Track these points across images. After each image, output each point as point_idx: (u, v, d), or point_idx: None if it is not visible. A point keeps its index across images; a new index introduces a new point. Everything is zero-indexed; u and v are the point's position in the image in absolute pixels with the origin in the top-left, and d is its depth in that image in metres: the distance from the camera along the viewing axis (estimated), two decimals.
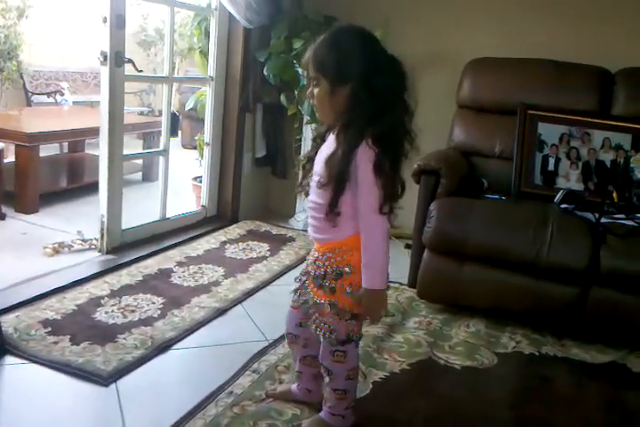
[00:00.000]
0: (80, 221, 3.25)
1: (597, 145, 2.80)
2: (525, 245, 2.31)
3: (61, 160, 4.80)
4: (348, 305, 1.53)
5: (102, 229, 2.85)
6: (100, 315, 2.25)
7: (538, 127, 2.83)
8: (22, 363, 1.90)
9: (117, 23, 2.64)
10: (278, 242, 3.29)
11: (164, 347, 2.06)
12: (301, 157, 1.62)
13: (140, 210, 3.31)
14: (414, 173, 2.57)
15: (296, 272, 1.72)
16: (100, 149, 2.81)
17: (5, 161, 3.50)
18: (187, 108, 4.01)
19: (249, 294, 2.58)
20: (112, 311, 2.28)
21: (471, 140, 3.03)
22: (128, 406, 1.73)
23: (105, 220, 2.84)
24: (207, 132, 3.48)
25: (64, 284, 2.46)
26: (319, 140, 1.59)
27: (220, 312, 2.38)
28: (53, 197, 3.75)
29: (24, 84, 5.88)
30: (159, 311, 2.32)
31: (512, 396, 1.96)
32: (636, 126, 2.78)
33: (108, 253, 2.86)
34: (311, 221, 1.58)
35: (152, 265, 2.78)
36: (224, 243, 3.20)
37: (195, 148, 4.01)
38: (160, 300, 2.43)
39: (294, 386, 1.81)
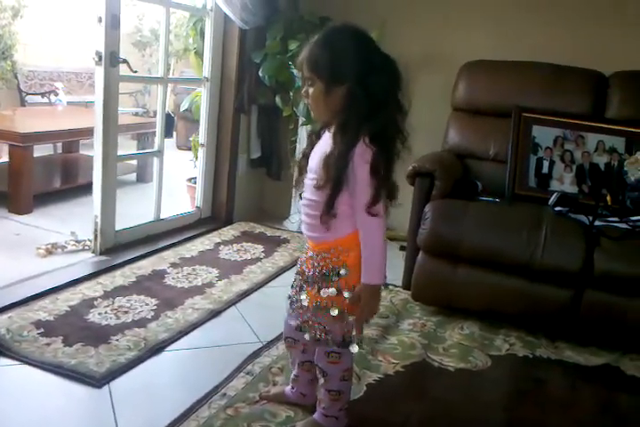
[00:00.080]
0: (74, 222, 3.24)
1: (591, 148, 2.81)
2: (519, 248, 2.31)
3: (55, 161, 4.79)
4: (342, 305, 1.53)
5: (96, 230, 2.84)
6: (94, 316, 2.24)
7: (532, 130, 2.84)
8: (14, 364, 1.89)
9: (112, 23, 2.64)
10: (273, 243, 3.29)
11: (157, 349, 2.06)
12: (298, 154, 1.62)
13: (134, 211, 3.30)
14: (409, 176, 2.58)
15: (290, 274, 1.72)
16: (94, 150, 2.80)
17: None
18: (182, 109, 4.02)
19: (243, 295, 2.58)
20: (105, 313, 2.27)
21: (466, 143, 3.04)
22: (121, 408, 1.73)
23: (99, 220, 2.83)
24: (202, 134, 3.47)
25: (57, 285, 2.45)
26: (314, 137, 1.59)
27: (214, 314, 2.37)
28: (47, 197, 3.74)
29: (18, 84, 5.87)
30: (153, 313, 2.31)
31: (506, 398, 1.96)
32: (630, 129, 2.79)
33: (101, 254, 2.85)
34: (305, 219, 1.57)
35: (146, 266, 2.77)
36: (218, 244, 3.20)
37: (189, 149, 4.00)
38: (154, 301, 2.42)
39: (288, 388, 1.81)
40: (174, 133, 6.29)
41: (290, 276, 1.71)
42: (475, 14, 3.30)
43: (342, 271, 1.51)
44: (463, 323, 2.47)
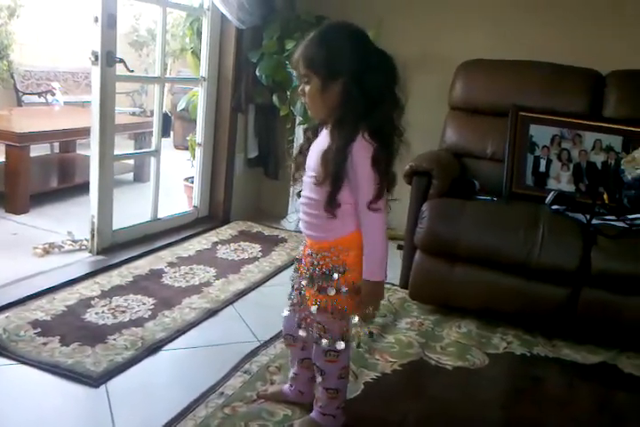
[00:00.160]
0: (71, 222, 3.24)
1: (588, 147, 2.81)
2: (516, 246, 2.31)
3: (52, 160, 4.78)
4: (342, 305, 1.53)
5: (93, 230, 2.84)
6: (91, 316, 2.23)
7: (529, 129, 2.84)
8: (11, 364, 1.89)
9: (109, 23, 2.63)
10: (270, 243, 3.29)
11: (154, 348, 2.05)
12: (293, 151, 1.62)
13: (132, 210, 3.30)
14: (406, 174, 2.57)
15: (288, 273, 1.72)
16: (90, 150, 2.80)
17: None
18: (179, 109, 4.01)
19: (240, 294, 2.57)
20: (102, 312, 2.27)
21: (463, 142, 3.04)
22: (118, 407, 1.72)
23: (95, 220, 2.83)
24: (199, 133, 3.47)
25: (54, 284, 2.45)
26: (311, 135, 1.59)
27: (212, 313, 2.37)
28: (44, 197, 3.73)
29: (15, 83, 5.85)
30: (150, 312, 2.31)
31: (503, 396, 1.96)
32: (627, 128, 2.80)
33: (98, 253, 2.85)
34: (304, 218, 1.57)
35: (143, 266, 2.77)
36: (216, 243, 3.19)
37: (187, 148, 4.00)
38: (151, 300, 2.41)
39: (286, 387, 1.81)
40: (171, 133, 6.28)
41: (287, 275, 1.71)
42: (472, 14, 3.30)
43: (342, 269, 1.51)
44: (460, 321, 2.47)
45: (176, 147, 6.14)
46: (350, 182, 1.44)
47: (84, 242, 2.92)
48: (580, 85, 2.93)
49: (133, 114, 6.56)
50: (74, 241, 2.95)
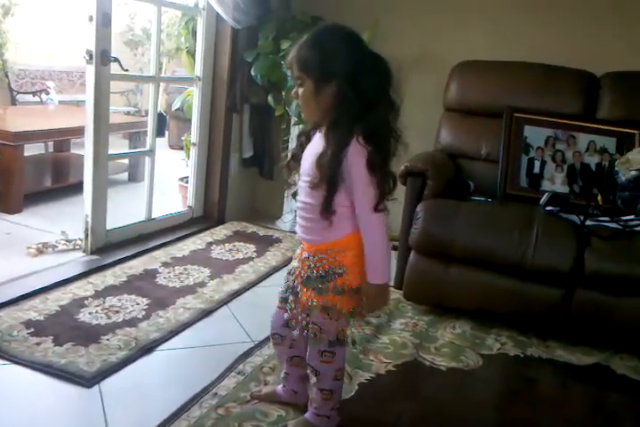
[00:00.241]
0: (64, 222, 3.22)
1: (582, 148, 2.82)
2: (511, 247, 2.32)
3: (46, 160, 4.76)
4: (339, 306, 1.53)
5: (87, 230, 2.83)
6: (84, 316, 2.22)
7: (524, 130, 2.85)
8: (4, 364, 1.88)
9: (103, 21, 2.63)
10: (265, 243, 3.28)
11: (148, 348, 2.05)
12: (284, 155, 1.62)
13: (126, 210, 3.29)
14: (401, 175, 2.57)
15: (283, 273, 1.72)
16: (85, 149, 2.79)
17: None
18: (174, 109, 4.00)
19: (235, 295, 2.57)
20: (96, 312, 2.26)
21: (458, 143, 3.04)
22: (111, 407, 1.72)
23: (89, 220, 2.82)
24: (194, 133, 3.47)
25: (47, 284, 2.44)
26: (304, 139, 1.58)
27: (206, 313, 2.36)
28: (38, 196, 3.72)
29: (9, 82, 5.83)
30: (144, 312, 2.30)
31: (497, 397, 1.96)
32: (621, 130, 2.81)
33: (92, 253, 2.84)
34: (300, 222, 1.57)
35: (137, 266, 2.76)
36: (210, 244, 3.19)
37: (181, 148, 3.99)
38: (145, 301, 2.41)
39: (279, 387, 1.81)
40: (166, 133, 6.27)
41: (282, 275, 1.70)
42: (469, 14, 3.29)
43: (339, 271, 1.51)
44: (455, 322, 2.47)
45: (171, 146, 6.13)
46: (346, 186, 1.44)
47: (78, 242, 2.91)
48: (574, 87, 2.94)
49: (128, 113, 6.55)
50: (67, 241, 2.94)
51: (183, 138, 3.77)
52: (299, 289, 1.59)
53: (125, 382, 1.85)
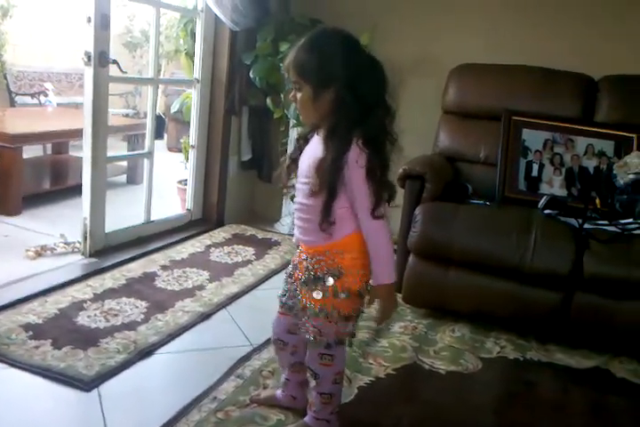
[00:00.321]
0: (63, 224, 3.22)
1: (581, 151, 2.83)
2: (509, 251, 2.32)
3: (45, 162, 4.76)
4: (338, 308, 1.53)
5: (85, 232, 2.83)
6: (83, 319, 2.22)
7: (522, 133, 2.85)
8: (2, 368, 1.87)
9: (102, 23, 2.62)
10: (264, 246, 3.28)
11: (147, 352, 2.04)
12: (282, 159, 1.62)
13: (125, 213, 3.29)
14: (399, 178, 2.58)
15: (282, 277, 1.71)
16: (83, 151, 2.79)
17: None
18: (172, 111, 4.00)
19: (234, 298, 2.57)
20: (95, 315, 2.26)
21: (456, 146, 3.04)
22: (110, 411, 1.71)
23: (88, 222, 2.81)
24: (192, 135, 3.46)
25: (46, 287, 2.44)
26: (302, 142, 1.58)
27: (205, 317, 2.36)
28: (36, 199, 3.71)
29: (7, 84, 5.83)
30: (143, 316, 2.30)
31: (496, 401, 1.96)
32: (619, 133, 2.81)
33: (91, 256, 2.83)
34: (298, 223, 1.57)
35: (136, 269, 2.76)
36: (209, 246, 3.19)
37: (180, 150, 3.99)
38: (144, 304, 2.40)
39: (279, 392, 1.80)
40: (165, 135, 6.27)
41: (281, 278, 1.70)
42: (466, 18, 3.30)
43: (338, 272, 1.50)
44: (454, 326, 2.47)
45: (169, 149, 6.12)
46: (346, 189, 1.44)
47: (77, 244, 2.91)
48: (572, 90, 2.95)
49: (127, 115, 6.55)
50: (66, 243, 2.94)
51: (182, 140, 3.77)
52: (298, 292, 1.59)
53: (124, 386, 1.85)
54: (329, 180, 1.41)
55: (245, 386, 1.88)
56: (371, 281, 1.54)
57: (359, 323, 1.97)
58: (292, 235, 1.65)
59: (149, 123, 3.21)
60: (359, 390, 1.92)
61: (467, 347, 2.30)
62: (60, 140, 4.54)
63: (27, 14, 6.03)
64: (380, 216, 1.44)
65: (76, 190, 3.10)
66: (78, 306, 2.32)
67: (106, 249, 2.90)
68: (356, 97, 1.40)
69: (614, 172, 2.69)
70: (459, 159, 3.03)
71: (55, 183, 4.18)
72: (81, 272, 2.65)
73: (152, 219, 3.25)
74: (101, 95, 2.73)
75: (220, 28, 3.33)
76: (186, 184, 3.58)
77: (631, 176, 2.60)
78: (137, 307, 2.37)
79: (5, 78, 5.81)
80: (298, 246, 1.63)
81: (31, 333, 2.07)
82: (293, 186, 1.58)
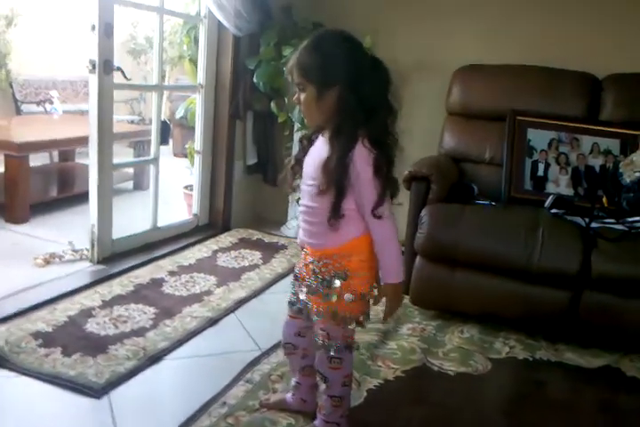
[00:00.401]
0: (71, 231, 3.23)
1: (586, 150, 2.82)
2: (516, 251, 2.31)
3: (51, 170, 4.78)
4: (346, 311, 1.53)
5: (93, 239, 2.84)
6: (92, 326, 2.23)
7: (527, 133, 2.85)
8: (13, 376, 1.88)
9: (106, 31, 2.64)
10: (270, 250, 3.28)
11: (156, 358, 2.05)
12: (287, 161, 1.62)
13: (132, 219, 3.30)
14: (405, 180, 2.58)
15: (289, 280, 1.72)
16: (89, 159, 2.80)
17: None
18: (177, 117, 4.01)
19: (241, 302, 2.57)
20: (104, 322, 2.27)
21: (461, 147, 3.04)
22: (121, 418, 1.72)
23: (95, 230, 2.83)
24: (197, 140, 3.47)
25: (55, 295, 2.45)
26: (306, 143, 1.59)
27: (213, 322, 2.37)
28: (44, 206, 3.73)
29: (13, 92, 5.86)
30: (151, 322, 2.31)
31: (506, 402, 1.96)
32: (624, 131, 2.80)
33: (99, 263, 2.85)
34: (304, 226, 1.57)
35: (143, 275, 2.77)
36: (216, 251, 3.19)
37: (186, 156, 4.00)
38: (152, 310, 2.41)
39: (288, 395, 1.80)
40: (170, 141, 6.28)
41: (288, 282, 1.71)
42: (469, 18, 3.28)
43: (345, 275, 1.51)
44: (463, 327, 2.47)
45: (175, 154, 6.14)
46: (354, 189, 1.44)
47: (85, 251, 2.92)
48: (576, 89, 2.94)
49: (132, 122, 6.57)
50: (74, 251, 2.95)
51: (187, 146, 3.77)
52: (305, 295, 1.59)
53: (134, 393, 1.86)
54: (336, 178, 1.42)
55: (255, 391, 1.89)
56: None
57: (367, 325, 1.98)
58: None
59: (154, 129, 3.22)
60: (368, 392, 1.92)
61: (476, 348, 2.30)
62: (66, 148, 4.56)
63: (31, 23, 6.06)
64: (380, 215, 1.45)
65: (83, 197, 3.12)
66: (87, 313, 2.33)
67: (113, 256, 2.92)
68: (360, 97, 1.41)
69: (620, 170, 2.68)
70: (464, 160, 3.03)
71: (62, 191, 4.19)
72: (89, 279, 2.66)
73: (159, 225, 3.26)
74: (106, 102, 2.75)
75: (223, 33, 3.34)
76: (192, 190, 3.59)
77: (637, 174, 2.59)
78: (145, 313, 2.38)
79: (11, 87, 5.84)
80: (302, 248, 1.63)
81: (41, 341, 2.08)
82: (298, 186, 1.59)
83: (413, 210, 2.58)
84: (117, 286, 2.61)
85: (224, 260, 3.08)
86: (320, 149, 1.49)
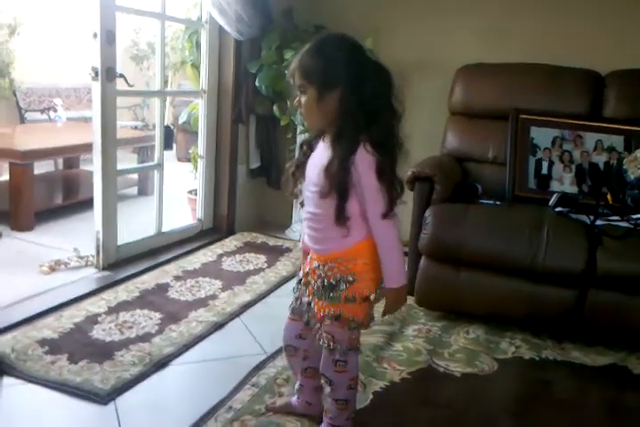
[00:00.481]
0: (76, 238, 3.24)
1: (590, 147, 2.81)
2: (521, 250, 2.30)
3: (56, 177, 4.80)
4: (351, 314, 1.53)
5: (98, 246, 2.85)
6: (98, 332, 2.23)
7: (530, 131, 2.84)
8: (20, 384, 1.89)
9: (108, 39, 2.65)
10: (275, 253, 3.29)
11: (162, 363, 2.05)
12: (287, 166, 1.62)
13: (137, 224, 3.31)
14: (408, 180, 2.57)
15: (294, 283, 1.71)
16: (93, 165, 2.81)
17: None
18: (180, 122, 4.02)
19: (247, 306, 2.57)
20: (109, 328, 2.27)
21: (464, 146, 3.04)
22: (128, 424, 1.72)
23: (100, 236, 2.84)
24: (201, 145, 3.48)
25: (61, 302, 2.45)
26: (306, 148, 1.58)
27: (218, 326, 2.37)
28: (49, 214, 3.74)
29: (17, 101, 5.89)
30: (157, 327, 2.31)
31: (513, 402, 1.95)
32: (628, 128, 2.79)
33: (104, 269, 2.85)
34: (308, 232, 1.57)
35: (149, 280, 2.77)
36: (221, 256, 3.20)
37: (189, 160, 4.01)
38: (157, 315, 2.42)
39: (294, 399, 1.80)
40: (174, 145, 6.30)
41: (293, 286, 1.70)
42: (470, 17, 3.28)
43: (350, 278, 1.51)
44: (468, 327, 2.46)
45: (179, 159, 6.16)
46: (357, 193, 1.44)
47: (90, 258, 2.92)
48: (579, 86, 2.93)
49: (135, 128, 6.59)
50: (80, 257, 2.96)
51: (190, 150, 3.78)
52: (310, 299, 1.59)
53: (141, 398, 1.86)
54: (338, 181, 1.42)
55: (261, 395, 1.89)
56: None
57: (373, 327, 1.98)
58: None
59: (158, 135, 3.23)
60: (374, 395, 1.92)
61: (481, 348, 2.29)
62: (71, 155, 4.57)
63: (34, 31, 6.10)
64: (391, 217, 1.45)
65: (88, 204, 3.12)
66: (93, 320, 2.33)
67: (119, 262, 2.92)
68: (361, 100, 1.41)
69: (625, 167, 2.67)
70: (467, 159, 3.02)
71: (67, 198, 4.21)
72: (95, 286, 2.66)
73: (163, 230, 3.27)
74: (109, 109, 2.76)
75: (225, 38, 3.35)
76: (196, 194, 3.59)
77: None
78: (151, 318, 2.38)
79: (15, 95, 5.88)
80: (305, 253, 1.63)
81: (47, 348, 2.09)
82: (300, 192, 1.59)
83: (417, 210, 2.57)
84: (123, 292, 2.61)
85: (229, 264, 3.08)
86: (321, 155, 1.48)
